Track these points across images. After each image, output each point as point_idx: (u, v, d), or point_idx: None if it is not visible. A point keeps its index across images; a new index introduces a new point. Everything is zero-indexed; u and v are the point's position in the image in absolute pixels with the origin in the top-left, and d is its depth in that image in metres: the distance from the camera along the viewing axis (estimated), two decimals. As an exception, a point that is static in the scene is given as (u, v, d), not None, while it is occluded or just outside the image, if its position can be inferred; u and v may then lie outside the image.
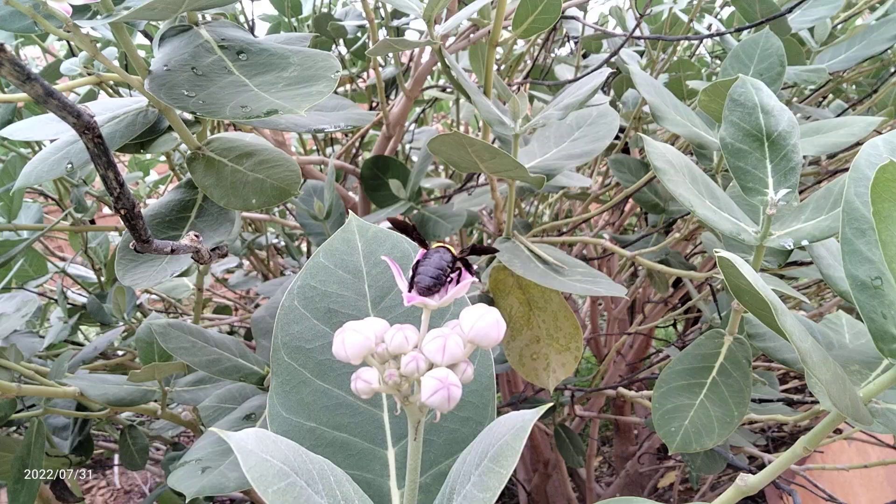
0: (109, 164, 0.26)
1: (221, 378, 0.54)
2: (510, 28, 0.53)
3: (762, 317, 0.31)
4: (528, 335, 0.59)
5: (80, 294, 1.09)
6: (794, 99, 0.95)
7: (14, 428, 0.93)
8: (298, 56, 0.36)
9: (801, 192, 0.59)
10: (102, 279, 1.03)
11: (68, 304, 1.00)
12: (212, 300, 1.43)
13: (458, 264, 0.23)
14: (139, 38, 0.69)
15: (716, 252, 0.28)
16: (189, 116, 0.44)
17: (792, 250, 0.50)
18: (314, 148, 1.26)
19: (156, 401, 0.75)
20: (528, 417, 0.20)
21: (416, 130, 1.15)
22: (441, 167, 1.24)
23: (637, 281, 1.26)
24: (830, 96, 1.07)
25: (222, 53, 0.37)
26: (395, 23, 0.92)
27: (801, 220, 0.43)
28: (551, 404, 0.48)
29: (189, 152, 0.42)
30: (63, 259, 1.16)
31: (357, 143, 1.09)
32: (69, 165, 0.39)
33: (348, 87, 1.21)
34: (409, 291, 0.22)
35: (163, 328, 0.51)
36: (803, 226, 0.42)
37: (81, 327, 1.13)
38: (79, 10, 0.34)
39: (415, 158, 1.18)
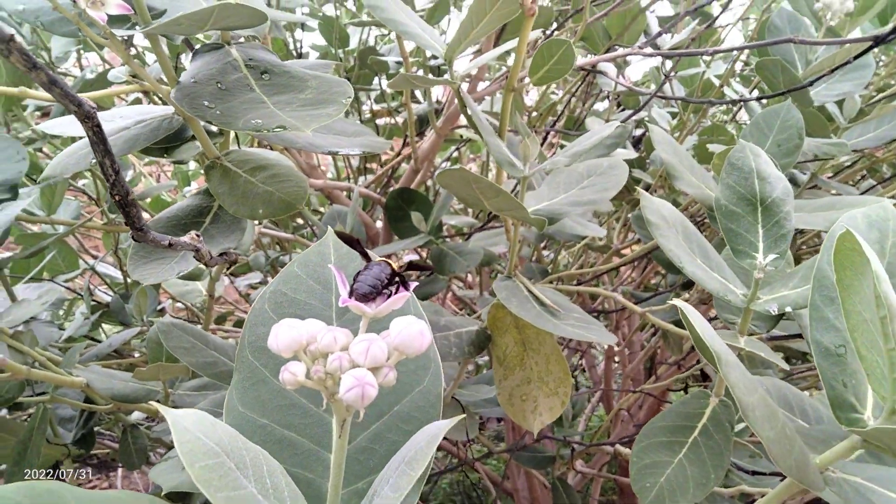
0: (107, 153, 0.28)
1: (217, 381, 0.56)
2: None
3: (713, 364, 0.32)
4: (520, 376, 0.60)
5: (106, 293, 1.13)
6: (825, 175, 0.95)
7: (24, 416, 0.96)
8: (316, 80, 0.39)
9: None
10: (129, 280, 1.07)
11: (93, 301, 1.04)
12: (234, 313, 1.46)
13: (397, 279, 0.25)
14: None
15: (671, 301, 0.29)
16: (213, 128, 0.47)
17: (781, 316, 0.50)
18: (349, 176, 1.30)
19: (158, 401, 0.77)
20: (441, 426, 0.21)
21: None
22: (470, 209, 1.26)
23: (653, 340, 1.26)
24: (866, 174, 1.07)
25: (247, 72, 0.41)
26: (434, 62, 0.95)
27: (789, 286, 0.44)
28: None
29: (208, 161, 0.45)
30: (96, 258, 1.20)
31: (388, 175, 1.12)
32: (93, 161, 0.42)
33: (388, 120, 1.25)
34: (350, 297, 0.24)
35: (166, 326, 0.53)
36: (789, 293, 0.43)
37: (104, 326, 1.17)
38: (118, 20, 0.38)
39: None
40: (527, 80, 0.56)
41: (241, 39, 0.46)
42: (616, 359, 1.44)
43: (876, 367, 0.30)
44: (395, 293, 0.25)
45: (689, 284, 0.96)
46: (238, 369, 0.29)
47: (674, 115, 1.04)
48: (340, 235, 0.27)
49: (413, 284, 0.25)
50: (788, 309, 0.42)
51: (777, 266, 0.45)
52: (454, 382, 0.68)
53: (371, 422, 0.28)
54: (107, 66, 0.91)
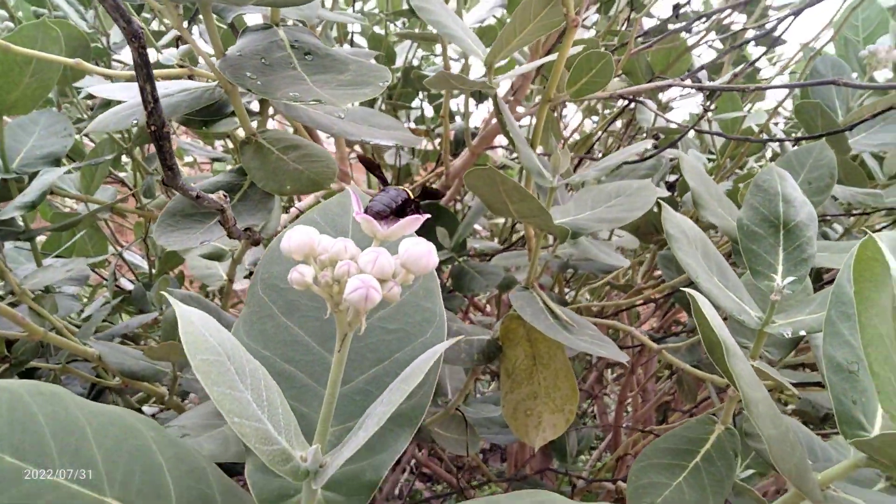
0: (148, 78, 0.30)
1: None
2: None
3: (719, 362, 0.32)
4: (527, 390, 0.59)
5: (131, 281, 1.15)
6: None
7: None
8: (356, 65, 0.41)
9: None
10: (153, 270, 1.09)
11: (116, 287, 1.06)
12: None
13: (412, 206, 0.25)
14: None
15: (683, 289, 0.30)
16: (252, 108, 0.49)
17: (797, 343, 0.49)
18: (380, 190, 1.32)
19: (166, 386, 0.78)
20: (438, 349, 0.22)
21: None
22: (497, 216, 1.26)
23: (665, 386, 1.24)
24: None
25: (292, 51, 0.42)
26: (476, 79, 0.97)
27: (806, 311, 0.43)
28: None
29: (244, 136, 0.47)
30: (122, 247, 1.23)
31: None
32: (135, 121, 0.44)
33: (425, 142, 1.27)
34: (361, 213, 0.24)
35: (183, 297, 0.54)
36: (806, 318, 0.43)
37: (124, 314, 1.19)
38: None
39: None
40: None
41: (290, 23, 0.48)
42: (628, 405, 1.42)
43: (888, 384, 0.30)
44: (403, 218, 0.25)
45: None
46: (248, 304, 0.30)
47: (711, 161, 1.04)
48: (362, 159, 0.28)
49: (426, 216, 0.25)
50: (802, 332, 0.42)
51: (795, 290, 0.45)
52: (460, 393, 0.68)
53: (370, 366, 0.29)
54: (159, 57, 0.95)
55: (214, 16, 0.46)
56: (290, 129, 0.91)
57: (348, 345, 0.23)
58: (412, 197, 0.26)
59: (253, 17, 0.65)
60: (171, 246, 0.46)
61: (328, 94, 0.39)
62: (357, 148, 1.21)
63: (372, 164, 0.29)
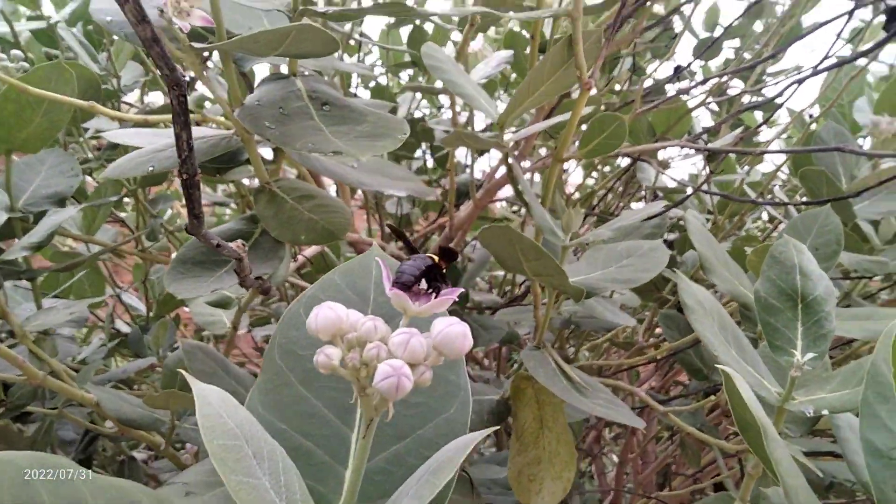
0: (185, 125, 0.29)
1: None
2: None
3: (756, 446, 0.30)
4: (533, 454, 0.57)
5: (127, 323, 1.12)
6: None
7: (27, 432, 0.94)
8: (374, 116, 0.40)
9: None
10: (151, 313, 1.07)
11: (112, 328, 1.03)
12: (246, 365, 1.45)
13: (437, 274, 0.24)
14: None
15: (721, 360, 0.28)
16: (267, 156, 0.48)
17: (817, 420, 0.48)
18: (382, 239, 1.31)
19: (162, 434, 0.75)
20: (471, 438, 0.20)
21: (477, 245, 1.18)
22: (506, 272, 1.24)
23: (669, 449, 1.21)
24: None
25: (309, 102, 0.42)
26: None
27: (827, 389, 0.42)
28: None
29: (258, 185, 0.46)
30: (120, 288, 1.21)
31: (421, 242, 1.12)
32: (151, 168, 0.42)
33: (438, 192, 1.27)
34: (392, 287, 0.23)
35: (191, 347, 0.53)
36: (827, 396, 0.41)
37: (117, 358, 1.16)
38: (194, 38, 0.39)
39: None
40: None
41: (306, 73, 0.47)
42: (627, 470, 1.39)
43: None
44: (439, 295, 0.24)
45: (713, 391, 0.93)
46: (264, 370, 0.28)
47: (709, 220, 1.04)
48: (391, 227, 0.27)
49: (459, 290, 0.24)
50: (824, 412, 0.40)
51: (815, 366, 0.44)
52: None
53: (390, 443, 0.27)
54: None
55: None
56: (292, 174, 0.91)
57: (373, 431, 0.22)
58: (438, 263, 0.25)
59: (261, 67, 0.65)
60: (182, 294, 0.44)
61: (347, 146, 0.38)
62: (359, 193, 1.20)
63: (400, 234, 0.28)
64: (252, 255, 0.47)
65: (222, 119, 0.49)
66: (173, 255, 1.13)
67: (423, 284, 0.24)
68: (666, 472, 1.24)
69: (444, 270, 0.25)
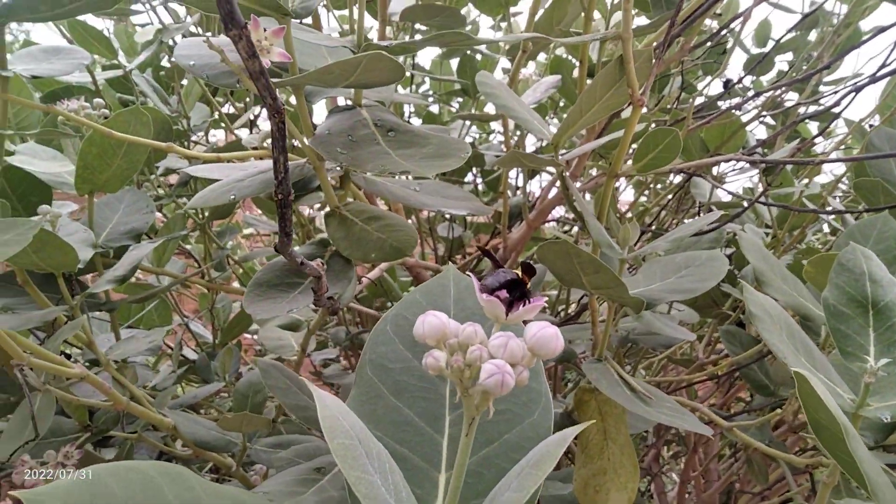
0: (283, 150, 0.31)
1: (305, 424, 0.57)
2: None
3: (834, 448, 0.31)
4: (599, 465, 0.58)
5: (194, 350, 1.17)
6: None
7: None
8: (437, 139, 0.42)
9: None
10: (217, 340, 1.11)
11: (181, 356, 1.08)
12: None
13: (522, 286, 0.26)
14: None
15: (792, 367, 0.29)
16: (335, 183, 0.50)
17: (894, 428, 0.47)
18: (435, 261, 1.33)
19: (233, 456, 0.78)
20: (568, 433, 0.21)
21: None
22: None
23: (734, 467, 1.18)
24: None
25: (375, 129, 0.44)
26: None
27: None
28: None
29: (328, 209, 0.48)
30: (187, 317, 1.26)
31: (474, 264, 1.14)
32: (232, 196, 0.46)
33: (492, 210, 1.29)
34: (485, 295, 0.25)
35: (267, 366, 0.55)
36: None
37: (183, 384, 1.20)
38: (273, 75, 0.42)
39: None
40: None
41: (371, 104, 0.50)
42: (690, 486, 1.36)
43: None
44: (527, 304, 0.26)
45: (778, 406, 0.91)
46: (357, 384, 0.30)
47: (768, 234, 1.03)
48: (479, 248, 0.29)
49: (544, 299, 0.26)
50: None
51: (890, 372, 0.43)
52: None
53: (480, 447, 0.28)
54: (233, 139, 0.99)
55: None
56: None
57: (475, 429, 0.23)
58: (521, 277, 0.27)
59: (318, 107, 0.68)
60: (260, 315, 0.47)
61: (413, 166, 0.41)
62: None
63: (487, 252, 0.30)
64: (325, 277, 0.50)
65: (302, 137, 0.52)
66: (234, 283, 1.18)
67: (508, 295, 0.26)
68: (730, 490, 1.21)
69: (528, 284, 0.27)
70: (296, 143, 0.46)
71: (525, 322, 0.25)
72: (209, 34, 0.44)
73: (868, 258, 0.47)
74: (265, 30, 0.37)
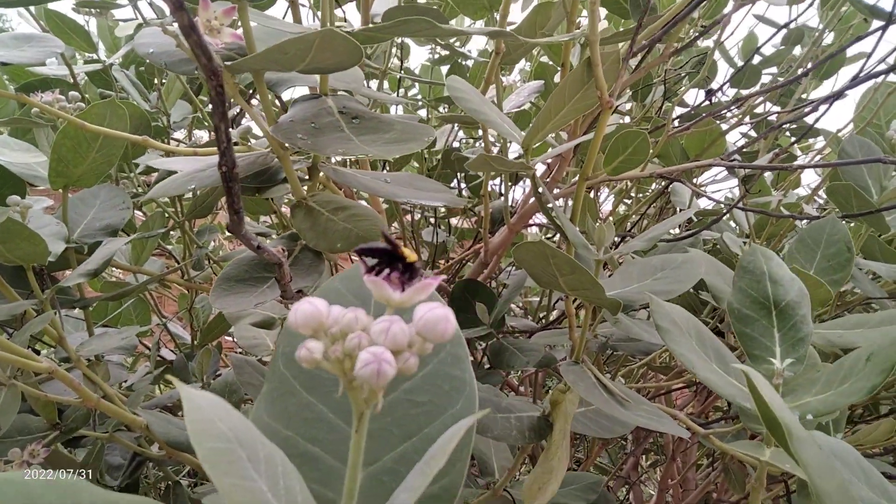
0: (223, 117, 0.29)
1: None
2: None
3: (774, 431, 0.29)
4: (549, 465, 0.56)
5: (172, 351, 1.15)
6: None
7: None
8: (402, 125, 0.41)
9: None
10: (195, 341, 1.09)
11: (158, 356, 1.05)
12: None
13: (400, 259, 0.23)
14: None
15: (700, 374, 0.27)
16: (303, 175, 0.49)
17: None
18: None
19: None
20: (462, 425, 0.20)
21: (512, 271, 1.18)
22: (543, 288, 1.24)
23: (711, 476, 1.17)
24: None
25: (340, 116, 0.43)
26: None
27: (812, 392, 0.40)
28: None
29: (296, 200, 0.47)
30: (165, 317, 1.24)
31: (456, 269, 1.13)
32: (192, 187, 0.44)
33: (460, 219, 1.28)
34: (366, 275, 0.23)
35: (240, 361, 0.53)
36: (811, 399, 0.40)
37: (161, 386, 1.18)
38: (225, 58, 0.41)
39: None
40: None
41: (339, 93, 0.49)
42: (669, 495, 1.34)
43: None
44: (419, 282, 0.23)
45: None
46: (269, 380, 0.28)
47: (746, 243, 1.02)
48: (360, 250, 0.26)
49: (440, 277, 0.23)
50: (809, 417, 0.39)
51: (796, 371, 0.42)
52: (509, 472, 0.64)
53: (398, 442, 0.26)
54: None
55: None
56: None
57: (366, 425, 0.21)
58: (400, 251, 0.24)
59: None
60: (227, 309, 0.45)
61: (375, 150, 0.39)
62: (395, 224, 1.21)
63: (386, 237, 0.27)
64: (294, 271, 0.48)
65: (258, 148, 0.51)
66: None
67: (396, 273, 0.24)
68: (707, 499, 1.20)
69: (410, 260, 0.24)
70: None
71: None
72: (168, 18, 0.43)
73: (768, 258, 0.46)
74: (215, 11, 0.35)
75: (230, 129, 0.30)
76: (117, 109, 0.67)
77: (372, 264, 0.24)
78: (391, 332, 0.20)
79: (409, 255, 0.24)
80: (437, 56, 1.29)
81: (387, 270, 0.24)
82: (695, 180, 1.06)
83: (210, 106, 0.28)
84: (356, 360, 0.20)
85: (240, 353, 1.28)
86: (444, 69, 1.30)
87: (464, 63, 1.17)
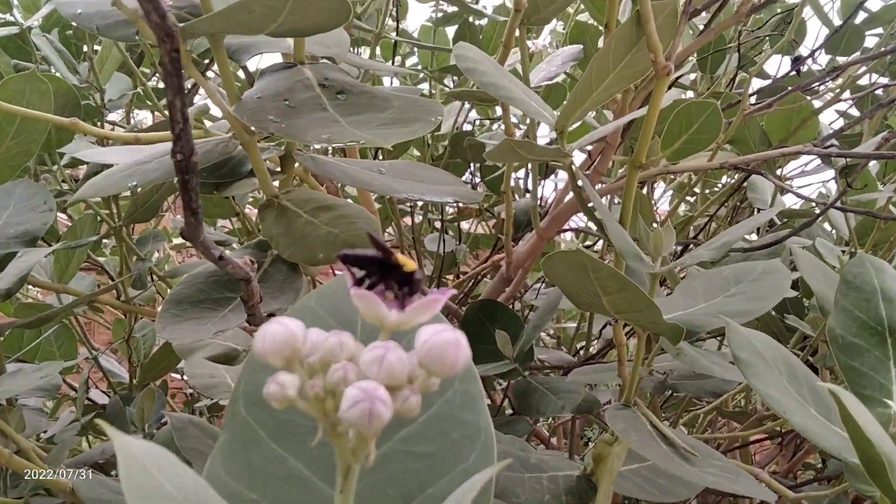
0: (179, 90, 0.30)
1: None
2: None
3: (876, 476, 0.29)
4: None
5: (105, 392, 1.15)
6: None
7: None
8: (401, 101, 0.41)
9: None
10: (134, 380, 1.10)
11: (87, 399, 1.05)
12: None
13: (404, 275, 0.23)
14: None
15: (794, 421, 0.27)
16: (274, 166, 0.49)
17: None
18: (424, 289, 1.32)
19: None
20: (476, 482, 0.20)
21: (541, 289, 1.18)
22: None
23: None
24: None
25: (321, 91, 0.43)
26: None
27: None
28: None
29: (265, 199, 0.47)
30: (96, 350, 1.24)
31: (469, 286, 1.13)
32: (133, 183, 0.44)
33: (473, 221, 1.28)
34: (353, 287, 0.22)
35: (182, 423, 0.54)
36: None
37: (90, 437, 1.18)
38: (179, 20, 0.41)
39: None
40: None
41: (320, 62, 0.49)
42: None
43: None
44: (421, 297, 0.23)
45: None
46: (227, 428, 0.27)
47: (845, 252, 1.02)
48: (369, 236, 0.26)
49: (449, 291, 0.23)
50: None
51: None
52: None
53: None
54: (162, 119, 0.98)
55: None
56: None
57: (354, 482, 0.20)
58: (393, 259, 0.24)
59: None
60: (179, 340, 0.46)
61: (367, 134, 0.39)
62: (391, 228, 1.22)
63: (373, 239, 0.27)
64: (263, 288, 0.48)
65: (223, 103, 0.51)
66: (159, 305, 1.16)
67: (391, 289, 0.23)
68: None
69: (409, 270, 0.24)
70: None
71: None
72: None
73: (880, 271, 0.46)
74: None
75: (187, 108, 0.31)
76: (39, 84, 0.67)
77: (360, 276, 0.24)
78: (386, 363, 0.20)
79: (407, 263, 0.24)
80: (440, 14, 1.29)
81: (379, 284, 0.24)
82: (779, 172, 1.06)
83: (159, 79, 0.28)
84: (341, 399, 0.20)
85: (190, 395, 1.28)
86: (451, 32, 1.30)
87: (476, 23, 1.16)
